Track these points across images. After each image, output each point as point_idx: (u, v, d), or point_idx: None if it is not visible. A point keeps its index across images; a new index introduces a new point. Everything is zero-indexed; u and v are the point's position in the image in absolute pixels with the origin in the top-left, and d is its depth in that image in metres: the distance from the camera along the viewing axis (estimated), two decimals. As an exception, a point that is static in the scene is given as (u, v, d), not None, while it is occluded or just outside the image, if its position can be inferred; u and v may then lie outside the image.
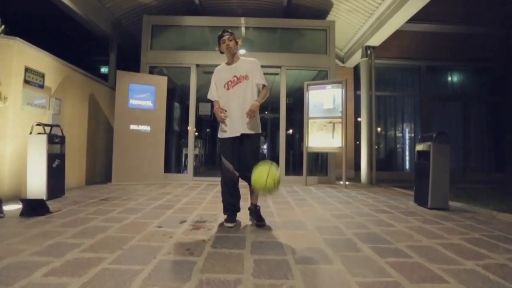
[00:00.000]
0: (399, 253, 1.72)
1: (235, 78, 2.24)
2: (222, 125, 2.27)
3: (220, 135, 2.31)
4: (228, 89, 2.26)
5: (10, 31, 3.24)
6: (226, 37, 2.23)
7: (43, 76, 3.57)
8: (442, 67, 7.21)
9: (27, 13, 6.28)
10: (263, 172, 1.86)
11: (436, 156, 3.09)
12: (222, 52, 2.31)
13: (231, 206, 2.32)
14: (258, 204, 2.35)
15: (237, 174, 2.25)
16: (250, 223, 2.37)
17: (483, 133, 7.23)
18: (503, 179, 6.65)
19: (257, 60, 2.31)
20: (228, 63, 2.31)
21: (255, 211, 2.32)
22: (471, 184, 5.43)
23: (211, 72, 2.42)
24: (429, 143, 3.17)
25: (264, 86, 2.27)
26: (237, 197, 2.36)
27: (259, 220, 2.26)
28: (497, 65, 7.12)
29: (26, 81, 3.29)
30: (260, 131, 2.33)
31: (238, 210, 2.38)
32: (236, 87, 2.24)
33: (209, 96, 2.36)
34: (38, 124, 3.19)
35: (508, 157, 6.92)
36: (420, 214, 2.83)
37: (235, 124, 2.22)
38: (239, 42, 2.29)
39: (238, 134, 2.20)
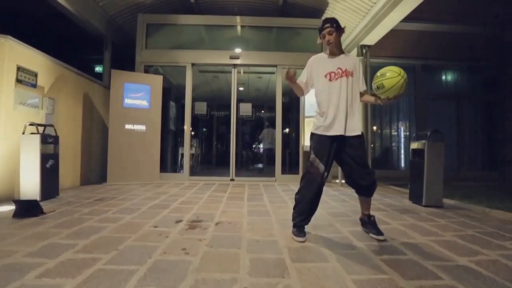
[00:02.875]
0: (394, 250, 1.74)
1: (340, 71, 1.96)
2: (319, 119, 2.00)
3: (315, 130, 2.02)
4: (331, 80, 1.96)
5: (1, 29, 3.19)
6: (326, 31, 1.97)
7: (35, 75, 3.52)
8: (437, 66, 7.27)
9: (18, 10, 6.18)
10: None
11: (431, 154, 3.12)
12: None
13: (308, 215, 2.00)
14: (371, 213, 2.09)
15: (325, 180, 1.97)
16: (246, 224, 2.37)
17: (477, 132, 7.32)
18: (496, 177, 6.74)
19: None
20: (331, 54, 2.04)
21: (369, 223, 2.06)
22: (465, 182, 5.50)
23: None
24: (423, 141, 3.20)
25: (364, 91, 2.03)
26: (315, 208, 2.03)
27: (377, 233, 1.97)
28: (490, 64, 7.20)
29: (18, 80, 3.24)
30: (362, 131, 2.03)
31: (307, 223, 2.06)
32: (342, 80, 1.95)
33: (299, 79, 2.07)
34: (31, 124, 3.15)
35: (501, 155, 7.02)
36: (415, 212, 2.86)
37: (337, 121, 1.92)
38: (343, 31, 2.01)
39: (339, 134, 1.91)
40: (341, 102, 1.93)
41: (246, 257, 1.58)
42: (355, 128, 1.94)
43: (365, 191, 2.00)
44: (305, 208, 1.98)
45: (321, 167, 1.92)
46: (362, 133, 1.98)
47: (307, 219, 2.00)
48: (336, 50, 2.01)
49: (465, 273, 1.41)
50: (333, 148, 1.94)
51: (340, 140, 1.94)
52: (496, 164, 7.09)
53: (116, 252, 1.62)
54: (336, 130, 1.92)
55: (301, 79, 2.08)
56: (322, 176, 1.93)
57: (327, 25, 1.97)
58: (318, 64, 2.04)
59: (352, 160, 1.92)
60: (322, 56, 2.08)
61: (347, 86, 1.94)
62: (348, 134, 1.92)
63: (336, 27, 1.96)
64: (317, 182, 1.93)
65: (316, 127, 2.03)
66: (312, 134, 2.05)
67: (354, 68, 1.98)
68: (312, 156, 1.97)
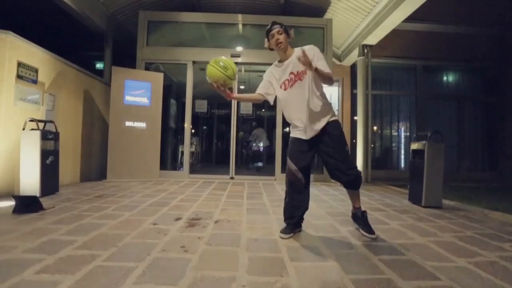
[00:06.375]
0: (392, 250, 1.74)
1: (292, 75, 1.91)
2: (293, 123, 2.00)
3: (291, 133, 2.04)
4: (286, 89, 1.95)
5: (2, 25, 3.18)
6: (275, 30, 1.89)
7: (36, 71, 3.51)
8: (438, 67, 7.26)
9: (19, 6, 6.16)
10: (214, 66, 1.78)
11: (431, 155, 3.11)
12: (271, 49, 1.99)
13: (289, 215, 2.02)
14: (362, 208, 2.08)
15: (303, 180, 1.97)
16: (245, 222, 2.37)
17: (477, 132, 7.32)
18: (496, 177, 6.75)
19: (314, 46, 1.92)
20: (281, 60, 1.98)
21: (362, 218, 2.04)
22: (465, 183, 5.50)
23: None
24: (424, 142, 3.20)
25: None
26: (299, 207, 2.01)
27: (369, 232, 1.97)
28: (491, 65, 7.19)
29: (19, 76, 3.24)
30: (335, 116, 1.97)
31: (300, 221, 2.06)
32: (296, 85, 1.90)
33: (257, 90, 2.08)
34: (31, 120, 3.15)
35: (501, 156, 7.02)
36: (414, 212, 2.86)
37: (301, 125, 1.93)
38: (291, 34, 1.95)
39: (307, 138, 1.91)
40: (299, 107, 1.91)
41: (245, 256, 1.58)
42: (319, 123, 1.90)
43: (350, 185, 2.01)
44: (287, 206, 2.04)
45: (293, 166, 1.97)
46: (333, 122, 1.93)
47: (291, 218, 2.01)
48: (285, 54, 1.95)
49: (463, 274, 1.41)
50: (305, 148, 1.95)
51: (312, 140, 1.93)
52: (496, 165, 7.09)
53: (115, 249, 1.63)
54: (301, 134, 1.94)
55: (259, 89, 2.05)
56: (295, 175, 1.96)
57: (276, 26, 1.92)
58: (274, 75, 2.02)
59: (329, 156, 1.91)
60: (274, 66, 2.04)
61: (303, 88, 1.89)
62: (313, 133, 1.90)
63: (285, 28, 1.93)
64: (293, 181, 1.98)
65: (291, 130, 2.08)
66: None
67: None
68: (287, 157, 2.04)
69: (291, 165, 1.99)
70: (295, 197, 2.01)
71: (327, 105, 1.96)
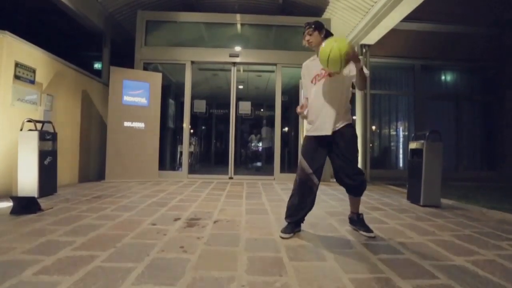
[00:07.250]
0: (391, 249, 1.74)
1: (323, 71, 1.94)
2: (309, 121, 2.02)
3: (306, 131, 2.06)
4: (315, 83, 1.98)
5: (-1, 25, 3.17)
6: (306, 31, 1.99)
7: (34, 71, 3.50)
8: (436, 66, 7.28)
9: (16, 6, 6.14)
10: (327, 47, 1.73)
11: (429, 154, 3.13)
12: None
13: (293, 213, 2.01)
14: (360, 212, 2.13)
15: (316, 181, 1.96)
16: (244, 222, 2.37)
17: (476, 132, 7.34)
18: (494, 177, 6.77)
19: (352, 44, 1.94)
20: (317, 55, 1.98)
21: (358, 221, 2.10)
22: (463, 182, 5.52)
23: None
24: (422, 141, 3.21)
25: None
26: (305, 208, 2.00)
27: (367, 231, 2.01)
28: (489, 64, 7.21)
29: (17, 76, 3.23)
30: (351, 121, 2.01)
31: (301, 220, 2.06)
32: (325, 81, 1.93)
33: (303, 95, 2.17)
34: (29, 121, 3.14)
35: (499, 155, 7.04)
36: (413, 212, 2.87)
37: (319, 122, 1.93)
38: (324, 32, 2.00)
39: (327, 133, 1.91)
40: (323, 103, 1.93)
41: (244, 255, 1.58)
42: (337, 124, 1.93)
43: (353, 191, 2.02)
44: (293, 204, 2.01)
45: (306, 167, 1.96)
46: (349, 126, 1.95)
47: (293, 217, 2.01)
48: (319, 49, 1.99)
49: (461, 273, 1.42)
50: (319, 148, 1.97)
51: (327, 140, 1.95)
52: (494, 164, 7.12)
53: (114, 249, 1.62)
54: (318, 130, 1.95)
55: (304, 94, 2.15)
56: (308, 176, 1.95)
57: (307, 26, 2.01)
58: (307, 71, 2.09)
59: (338, 158, 1.92)
60: (311, 59, 2.10)
61: (329, 85, 1.92)
62: (330, 132, 1.91)
63: (315, 27, 1.99)
64: (304, 181, 1.96)
65: (306, 129, 2.09)
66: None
67: None
68: (300, 156, 2.04)
69: (304, 165, 1.97)
70: (304, 196, 1.99)
71: (348, 107, 2.00)
